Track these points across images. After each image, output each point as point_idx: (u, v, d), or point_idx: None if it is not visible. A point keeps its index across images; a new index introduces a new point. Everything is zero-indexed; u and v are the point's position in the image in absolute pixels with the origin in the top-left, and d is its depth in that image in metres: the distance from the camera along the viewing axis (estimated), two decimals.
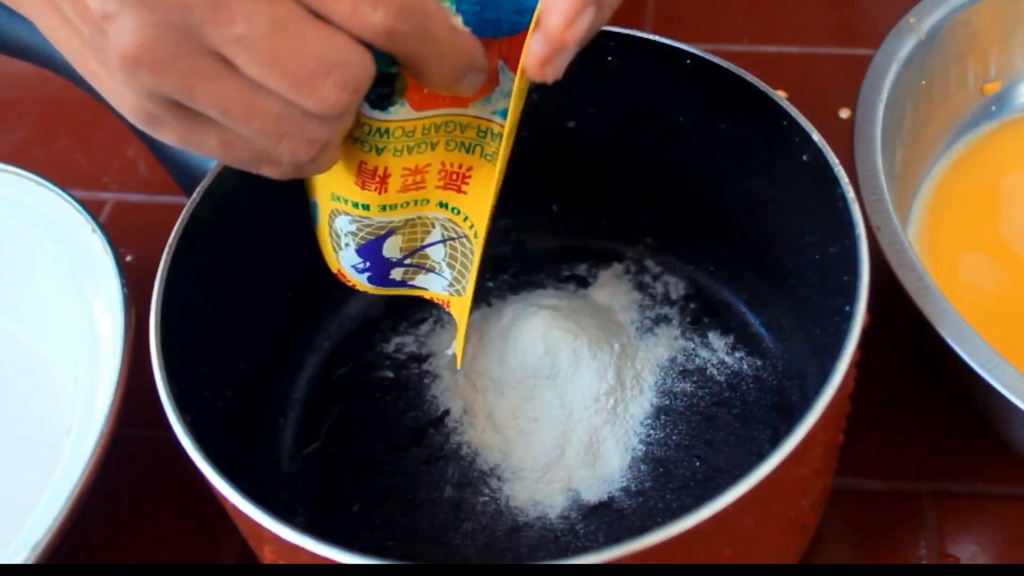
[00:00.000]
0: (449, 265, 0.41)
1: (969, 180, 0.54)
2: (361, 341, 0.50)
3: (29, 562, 0.40)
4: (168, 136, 0.31)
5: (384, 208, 0.37)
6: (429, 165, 0.36)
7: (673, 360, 0.48)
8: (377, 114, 0.33)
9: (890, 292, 0.41)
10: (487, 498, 0.44)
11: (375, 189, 0.36)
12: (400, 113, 0.33)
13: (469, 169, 0.37)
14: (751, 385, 0.47)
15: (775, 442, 0.32)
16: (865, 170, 0.45)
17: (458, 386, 0.47)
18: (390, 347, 0.50)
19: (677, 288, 0.50)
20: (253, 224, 0.44)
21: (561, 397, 0.45)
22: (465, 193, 0.37)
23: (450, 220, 0.39)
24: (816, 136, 0.40)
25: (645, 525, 0.42)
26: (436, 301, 0.43)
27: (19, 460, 0.49)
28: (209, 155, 0.32)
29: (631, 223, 0.52)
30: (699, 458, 0.44)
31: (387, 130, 0.34)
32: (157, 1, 0.28)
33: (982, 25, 0.53)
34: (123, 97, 0.31)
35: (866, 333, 0.35)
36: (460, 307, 0.42)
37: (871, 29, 0.64)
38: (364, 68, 0.29)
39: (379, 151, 0.34)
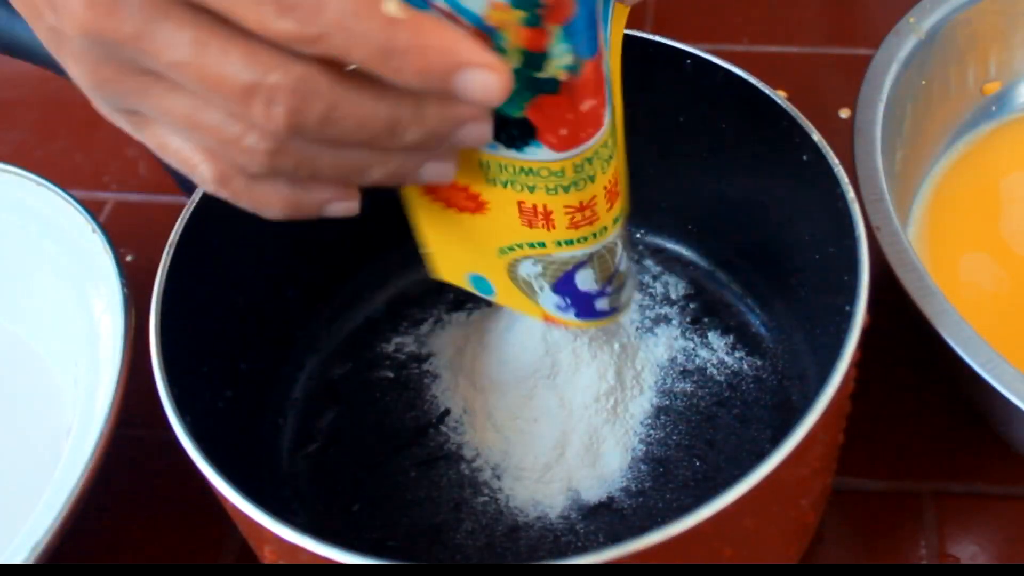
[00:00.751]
0: (631, 276, 0.39)
1: (969, 180, 0.54)
2: (361, 341, 0.50)
3: (29, 562, 0.40)
4: (145, 142, 0.32)
5: (560, 244, 0.35)
6: (595, 198, 0.33)
7: (673, 360, 0.48)
8: (515, 154, 0.31)
9: (890, 292, 0.41)
10: (487, 498, 0.44)
11: (542, 227, 0.34)
12: (540, 155, 0.31)
13: (617, 176, 0.34)
14: (751, 385, 0.47)
15: (775, 442, 0.32)
16: (865, 170, 0.45)
17: (458, 386, 0.47)
18: (390, 347, 0.50)
19: (677, 288, 0.50)
20: (253, 224, 0.44)
21: (561, 397, 0.45)
22: (619, 196, 0.35)
23: (619, 230, 0.36)
24: (816, 136, 0.40)
25: (645, 525, 0.42)
26: (614, 320, 0.42)
27: (19, 460, 0.49)
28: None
29: (631, 223, 0.52)
30: (699, 458, 0.44)
31: (532, 170, 0.32)
32: (95, 33, 0.28)
33: (982, 25, 0.53)
34: (98, 107, 0.31)
35: (866, 333, 0.35)
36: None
37: (871, 29, 0.64)
38: (294, 82, 0.27)
39: (531, 189, 0.32)
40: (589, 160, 0.32)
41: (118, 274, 0.47)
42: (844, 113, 0.59)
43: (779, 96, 0.41)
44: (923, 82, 0.51)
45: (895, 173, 0.48)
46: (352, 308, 0.51)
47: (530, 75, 0.28)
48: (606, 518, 0.43)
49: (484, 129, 0.30)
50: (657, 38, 0.44)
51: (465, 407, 0.46)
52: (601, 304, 0.39)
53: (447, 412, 0.47)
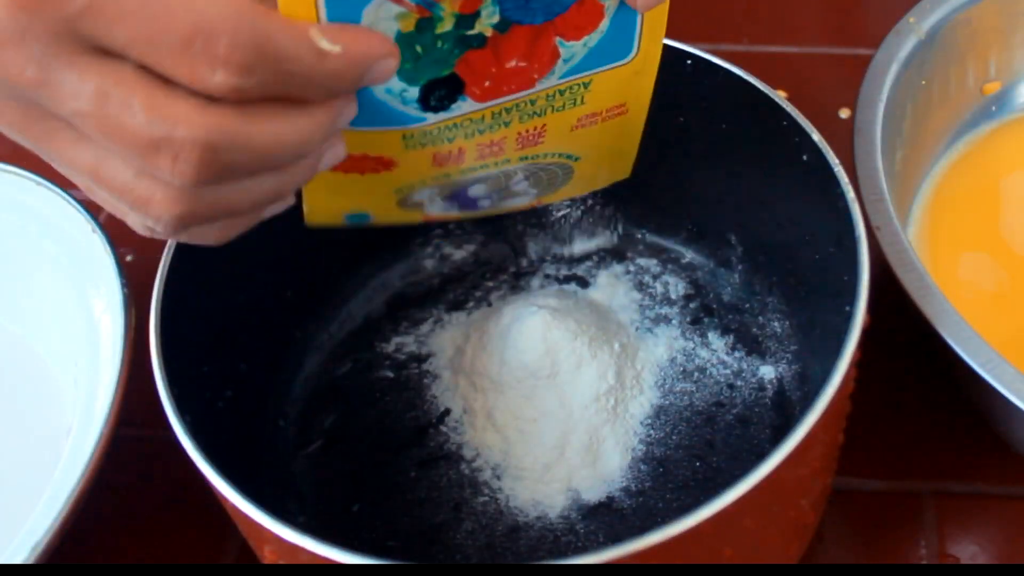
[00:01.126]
0: (534, 186, 0.42)
1: (969, 180, 0.54)
2: (361, 341, 0.50)
3: (29, 562, 0.40)
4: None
5: (463, 172, 0.38)
6: (505, 138, 0.37)
7: (673, 360, 0.48)
8: (442, 116, 0.34)
9: (890, 292, 0.41)
10: (487, 498, 0.44)
11: (452, 164, 0.37)
12: (464, 107, 0.34)
13: (544, 126, 0.37)
14: (751, 385, 0.47)
15: (775, 442, 0.32)
16: (865, 170, 0.45)
17: (458, 386, 0.47)
18: (390, 347, 0.50)
19: (677, 288, 0.50)
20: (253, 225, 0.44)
21: (561, 397, 0.45)
22: (543, 142, 0.38)
23: (531, 164, 0.40)
24: (816, 136, 0.40)
25: (645, 525, 0.42)
26: (526, 207, 0.44)
27: (19, 460, 0.49)
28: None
29: (631, 223, 0.52)
30: (699, 458, 0.44)
31: (455, 124, 0.34)
32: (3, 75, 0.27)
33: (982, 25, 0.53)
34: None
35: (866, 333, 0.35)
36: (564, 191, 0.44)
37: (871, 29, 0.64)
38: (205, 135, 0.27)
39: (450, 140, 0.35)
40: (507, 110, 0.35)
41: (118, 274, 0.47)
42: (844, 113, 0.59)
43: (779, 96, 0.41)
44: (923, 82, 0.51)
45: (895, 173, 0.48)
46: (352, 308, 0.51)
47: (461, 34, 0.31)
48: (606, 518, 0.43)
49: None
50: None
51: (465, 407, 0.46)
52: (483, 204, 0.42)
53: (447, 412, 0.47)
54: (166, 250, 0.40)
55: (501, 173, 0.40)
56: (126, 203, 0.29)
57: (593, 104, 0.37)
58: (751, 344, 0.48)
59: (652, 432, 0.45)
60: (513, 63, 0.33)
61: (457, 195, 0.41)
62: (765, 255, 0.48)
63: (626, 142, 0.42)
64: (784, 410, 0.45)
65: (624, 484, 0.44)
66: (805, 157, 0.40)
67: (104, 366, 0.46)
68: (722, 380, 0.47)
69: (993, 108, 0.56)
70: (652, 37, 0.35)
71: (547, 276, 0.52)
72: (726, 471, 0.44)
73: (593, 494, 0.44)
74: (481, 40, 0.32)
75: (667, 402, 0.46)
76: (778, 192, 0.44)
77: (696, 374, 0.47)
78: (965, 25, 0.52)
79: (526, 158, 0.39)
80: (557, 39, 0.33)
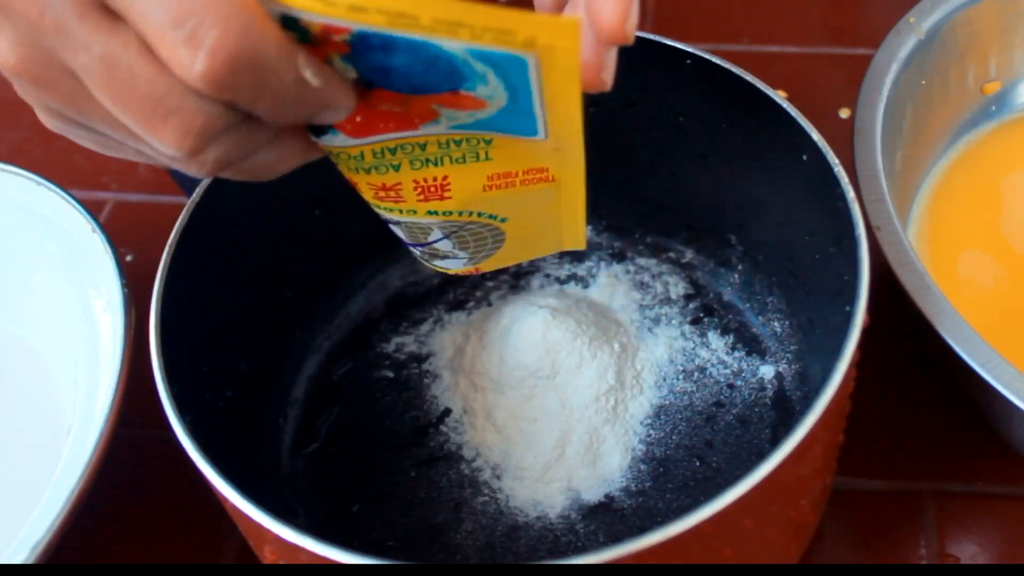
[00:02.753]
0: (462, 248, 0.40)
1: (969, 180, 0.54)
2: (361, 341, 0.50)
3: (29, 562, 0.40)
4: (79, 141, 0.31)
5: (376, 207, 0.37)
6: (399, 184, 0.35)
7: (673, 360, 0.48)
8: (324, 142, 0.32)
9: (890, 292, 0.41)
10: (487, 498, 0.44)
11: (362, 194, 0.36)
12: (337, 140, 0.32)
13: (445, 179, 0.35)
14: (751, 385, 0.47)
15: (775, 442, 0.32)
16: (865, 170, 0.45)
17: (458, 386, 0.47)
18: (390, 347, 0.50)
19: (677, 288, 0.50)
20: (253, 224, 0.44)
21: (561, 397, 0.45)
22: (451, 198, 0.36)
23: (445, 220, 0.38)
24: (816, 136, 0.40)
25: (645, 525, 0.42)
26: (465, 273, 0.42)
27: (19, 460, 0.49)
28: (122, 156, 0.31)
29: (631, 223, 0.52)
30: (699, 458, 0.44)
31: (336, 154, 0.33)
32: (20, 20, 0.27)
33: (982, 25, 0.53)
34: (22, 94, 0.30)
35: (866, 333, 0.35)
36: (503, 257, 0.41)
37: (871, 29, 0.64)
38: (202, 114, 0.27)
39: (349, 169, 0.34)
40: (391, 151, 0.33)
41: (118, 274, 0.47)
42: (844, 113, 0.59)
43: (779, 96, 0.41)
44: (923, 82, 0.51)
45: (895, 173, 0.48)
46: (352, 308, 0.51)
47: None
48: (606, 518, 0.43)
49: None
50: (657, 38, 0.44)
51: (465, 407, 0.46)
52: (417, 252, 0.40)
53: (447, 412, 0.47)
54: (166, 250, 0.40)
55: (412, 224, 0.37)
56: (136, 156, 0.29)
57: (503, 163, 0.35)
58: (751, 344, 0.48)
59: (652, 432, 0.45)
60: (385, 107, 0.31)
61: (386, 225, 0.39)
62: (765, 255, 0.48)
63: (567, 214, 0.38)
64: (784, 410, 0.45)
65: (624, 484, 0.44)
66: (805, 157, 0.40)
67: (104, 366, 0.46)
68: (722, 380, 0.47)
69: (993, 108, 0.56)
70: (565, 121, 0.31)
71: (547, 276, 0.52)
72: (726, 471, 0.44)
73: (593, 494, 0.44)
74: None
75: (667, 402, 0.46)
76: (778, 192, 0.44)
77: (696, 374, 0.47)
78: (965, 25, 0.52)
79: (434, 213, 0.37)
80: (435, 105, 0.31)
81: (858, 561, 0.44)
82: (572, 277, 0.51)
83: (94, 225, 0.49)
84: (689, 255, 0.51)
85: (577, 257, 0.52)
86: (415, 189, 0.35)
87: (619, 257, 0.52)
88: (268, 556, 0.35)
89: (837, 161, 0.39)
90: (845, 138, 0.46)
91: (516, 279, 0.52)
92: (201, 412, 0.37)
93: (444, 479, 0.45)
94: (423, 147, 0.33)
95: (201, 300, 0.41)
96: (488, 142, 0.33)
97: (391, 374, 0.49)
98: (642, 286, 0.51)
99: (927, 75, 0.52)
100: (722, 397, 0.46)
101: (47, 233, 0.51)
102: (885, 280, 0.41)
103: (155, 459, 0.49)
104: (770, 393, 0.46)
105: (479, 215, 0.38)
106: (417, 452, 0.46)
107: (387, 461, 0.46)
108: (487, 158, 0.34)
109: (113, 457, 0.43)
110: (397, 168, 0.34)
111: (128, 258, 0.57)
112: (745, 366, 0.47)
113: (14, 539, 0.42)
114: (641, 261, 0.52)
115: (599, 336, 0.46)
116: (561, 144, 0.33)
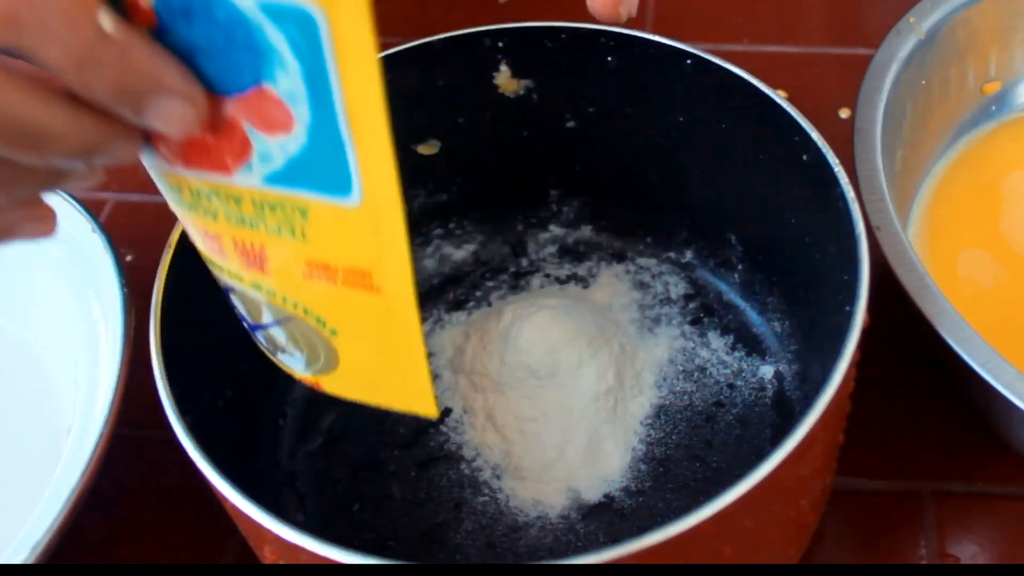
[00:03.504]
0: (296, 347, 0.35)
1: (969, 180, 0.54)
2: None
3: (29, 562, 0.40)
4: None
5: (209, 265, 0.34)
6: (220, 236, 0.32)
7: (673, 360, 0.48)
8: (145, 155, 0.31)
9: (890, 292, 0.41)
10: (487, 498, 0.44)
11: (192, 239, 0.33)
12: (152, 161, 0.30)
13: (263, 247, 0.32)
14: (751, 385, 0.47)
15: (775, 442, 0.32)
16: (865, 170, 0.45)
17: (458, 386, 0.47)
18: None
19: (677, 288, 0.50)
20: None
21: (561, 397, 0.45)
22: (271, 274, 0.32)
23: (271, 303, 0.34)
24: (816, 136, 0.40)
25: (645, 525, 0.42)
26: (307, 384, 0.37)
27: (19, 460, 0.49)
28: None
29: (631, 223, 0.52)
30: (699, 458, 0.44)
31: (160, 176, 0.31)
32: None
33: (982, 25, 0.53)
34: None
35: (866, 333, 0.35)
36: (343, 382, 0.36)
37: (871, 29, 0.64)
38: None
39: (165, 196, 0.32)
40: (207, 195, 0.31)
41: (118, 274, 0.47)
42: (844, 113, 0.59)
43: (779, 96, 0.41)
44: (923, 82, 0.51)
45: (895, 173, 0.48)
46: None
47: None
48: (606, 518, 0.43)
49: (133, 148, 0.29)
50: (657, 38, 0.44)
51: (465, 407, 0.46)
52: (259, 337, 0.37)
53: (447, 412, 0.47)
54: (166, 250, 0.40)
55: (244, 295, 0.34)
56: None
57: (320, 249, 0.30)
58: (751, 344, 0.48)
59: (652, 432, 0.45)
60: (198, 132, 0.29)
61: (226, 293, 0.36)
62: (765, 255, 0.48)
63: (404, 352, 0.31)
64: (784, 410, 0.45)
65: (624, 484, 0.44)
66: (805, 157, 0.40)
67: (104, 366, 0.46)
68: (722, 380, 0.47)
69: (993, 108, 0.56)
70: (378, 179, 0.27)
71: (547, 276, 0.52)
72: (726, 471, 0.44)
73: (593, 494, 0.44)
74: None
75: (667, 402, 0.46)
76: (778, 192, 0.44)
77: (696, 374, 0.47)
78: (965, 25, 0.52)
79: (258, 287, 0.33)
80: (245, 123, 0.28)
81: (858, 561, 0.44)
82: (572, 277, 0.51)
83: (94, 225, 0.49)
84: (689, 255, 0.51)
85: (577, 257, 0.52)
86: (236, 249, 0.32)
87: (619, 257, 0.52)
88: (268, 556, 0.35)
89: (837, 161, 0.39)
90: (845, 138, 0.46)
91: (516, 279, 0.52)
92: (201, 412, 0.37)
93: (444, 479, 0.45)
94: (238, 201, 0.31)
95: (201, 300, 0.41)
96: (304, 213, 0.30)
97: None
98: (642, 286, 0.51)
99: (927, 75, 0.52)
100: (722, 397, 0.46)
101: None
102: (885, 280, 0.41)
103: (155, 459, 0.49)
104: (770, 393, 0.46)
105: (305, 311, 0.33)
106: (417, 452, 0.46)
107: (387, 461, 0.46)
108: (303, 236, 0.30)
109: (113, 457, 0.43)
110: (215, 217, 0.31)
111: (128, 258, 0.57)
112: (745, 366, 0.47)
113: (14, 539, 0.42)
114: (641, 261, 0.52)
115: (599, 336, 0.46)
116: (378, 219, 0.28)
